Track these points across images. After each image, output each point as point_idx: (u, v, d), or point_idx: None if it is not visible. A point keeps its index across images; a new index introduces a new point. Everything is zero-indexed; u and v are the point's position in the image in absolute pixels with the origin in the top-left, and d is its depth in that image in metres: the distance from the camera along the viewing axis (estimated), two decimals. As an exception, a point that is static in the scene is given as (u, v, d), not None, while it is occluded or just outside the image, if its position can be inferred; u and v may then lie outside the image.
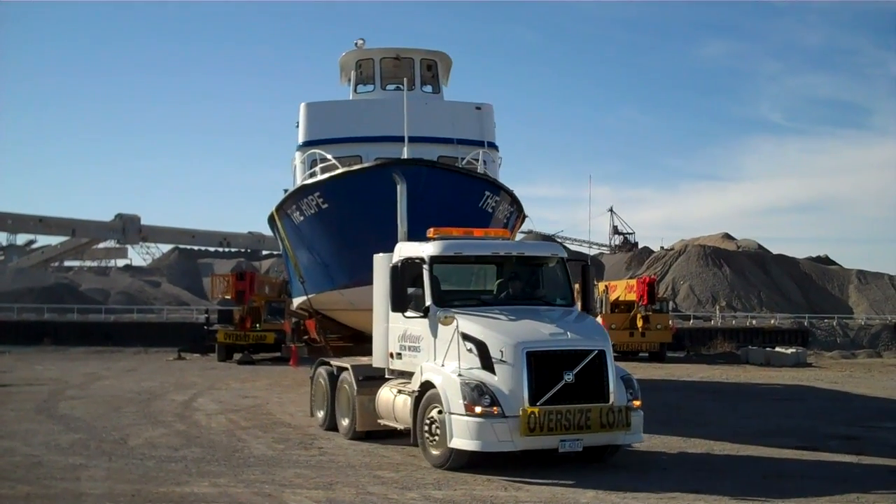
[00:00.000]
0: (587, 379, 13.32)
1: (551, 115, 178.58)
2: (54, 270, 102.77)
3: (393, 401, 15.45)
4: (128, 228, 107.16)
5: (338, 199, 20.30)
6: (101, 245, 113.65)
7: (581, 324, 14.68)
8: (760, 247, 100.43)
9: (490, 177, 21.54)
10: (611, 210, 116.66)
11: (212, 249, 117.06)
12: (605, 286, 45.86)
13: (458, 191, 19.41)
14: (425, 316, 14.61)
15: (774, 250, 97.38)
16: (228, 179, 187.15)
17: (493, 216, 20.60)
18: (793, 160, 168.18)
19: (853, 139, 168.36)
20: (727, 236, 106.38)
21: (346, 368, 17.41)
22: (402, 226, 16.29)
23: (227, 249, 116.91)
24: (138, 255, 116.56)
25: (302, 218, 21.69)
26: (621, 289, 46.08)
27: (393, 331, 15.73)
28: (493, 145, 24.80)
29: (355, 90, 26.71)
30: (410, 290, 14.96)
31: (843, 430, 19.14)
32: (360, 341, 22.22)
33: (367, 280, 18.29)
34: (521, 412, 12.86)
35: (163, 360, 41.52)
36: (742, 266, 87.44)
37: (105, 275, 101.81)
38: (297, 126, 25.78)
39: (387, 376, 16.17)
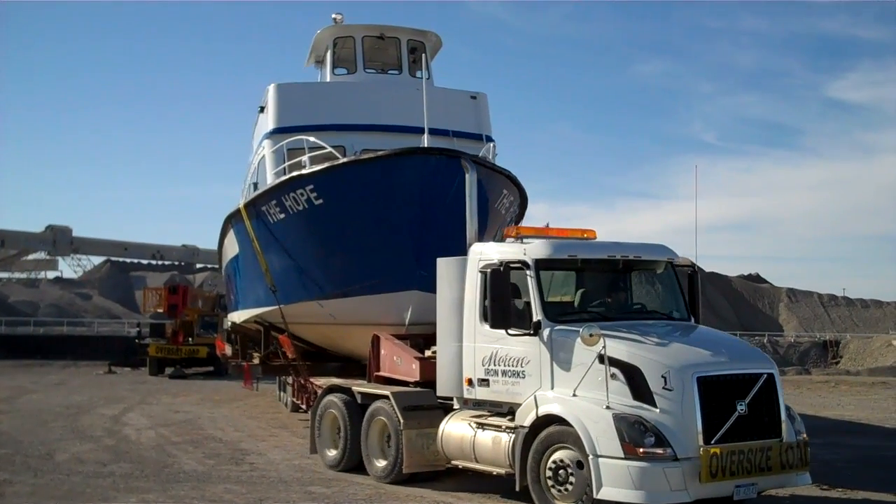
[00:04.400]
0: (757, 409, 11.08)
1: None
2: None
3: (473, 438, 12.67)
4: (59, 240, 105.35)
5: (338, 193, 17.20)
6: (31, 256, 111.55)
7: (730, 343, 12.71)
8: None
9: (511, 173, 18.66)
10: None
11: (144, 262, 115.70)
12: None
13: (484, 187, 16.59)
14: (535, 333, 11.95)
15: (707, 268, 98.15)
16: (162, 191, 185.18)
17: (502, 216, 18.29)
18: (725, 179, 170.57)
19: (784, 159, 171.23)
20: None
21: (385, 396, 14.14)
22: (472, 223, 13.72)
23: (160, 262, 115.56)
24: (69, 268, 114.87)
25: (283, 215, 18.55)
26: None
27: (473, 351, 12.90)
28: (490, 140, 21.64)
29: (333, 72, 22.92)
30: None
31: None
32: (319, 359, 20.43)
33: (357, 291, 17.11)
34: (700, 453, 10.45)
35: (93, 374, 40.95)
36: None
37: (34, 287, 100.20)
38: (262, 111, 22.67)
39: (456, 407, 13.44)
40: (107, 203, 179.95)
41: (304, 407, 20.44)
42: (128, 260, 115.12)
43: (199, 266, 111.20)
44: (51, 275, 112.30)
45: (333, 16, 22.77)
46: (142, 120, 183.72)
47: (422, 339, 16.35)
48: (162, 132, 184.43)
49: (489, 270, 12.43)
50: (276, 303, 19.58)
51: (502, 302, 12.09)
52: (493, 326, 12.37)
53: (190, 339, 42.45)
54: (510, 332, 12.08)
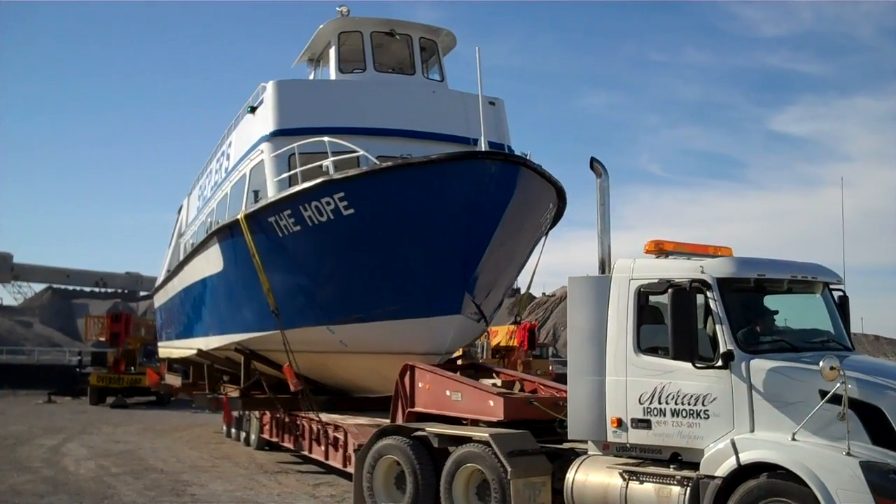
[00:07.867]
0: None
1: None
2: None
3: (624, 490, 10.48)
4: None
5: (374, 202, 15.27)
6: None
7: None
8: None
9: (562, 186, 16.65)
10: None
11: (87, 290, 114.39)
12: (487, 332, 46.05)
13: (537, 198, 15.20)
14: (725, 366, 10.02)
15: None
16: (105, 218, 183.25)
17: (541, 231, 17.02)
18: (669, 210, 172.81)
19: (727, 191, 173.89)
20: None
21: (481, 440, 11.91)
22: (606, 237, 11.92)
23: (102, 290, 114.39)
24: (9, 295, 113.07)
25: (298, 228, 16.50)
26: (502, 334, 46.23)
27: (624, 387, 10.83)
28: (511, 150, 18.97)
29: (339, 69, 20.37)
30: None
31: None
32: (289, 392, 18.25)
33: (382, 315, 15.65)
34: None
35: (32, 404, 40.37)
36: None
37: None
38: (252, 112, 20.26)
39: (594, 452, 11.30)
40: (49, 229, 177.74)
41: (289, 445, 19.29)
42: (70, 287, 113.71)
43: (142, 294, 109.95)
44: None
45: (339, 9, 20.48)
46: (84, 144, 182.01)
47: (472, 369, 15.31)
48: (105, 157, 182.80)
49: (672, 291, 10.29)
50: (272, 327, 17.63)
51: (688, 328, 10.20)
52: (675, 357, 10.31)
53: (132, 367, 42.02)
54: (697, 364, 10.12)
